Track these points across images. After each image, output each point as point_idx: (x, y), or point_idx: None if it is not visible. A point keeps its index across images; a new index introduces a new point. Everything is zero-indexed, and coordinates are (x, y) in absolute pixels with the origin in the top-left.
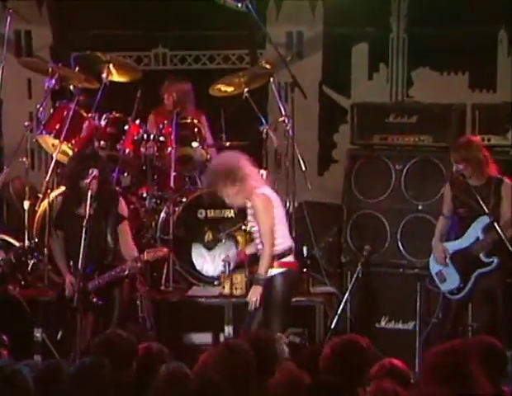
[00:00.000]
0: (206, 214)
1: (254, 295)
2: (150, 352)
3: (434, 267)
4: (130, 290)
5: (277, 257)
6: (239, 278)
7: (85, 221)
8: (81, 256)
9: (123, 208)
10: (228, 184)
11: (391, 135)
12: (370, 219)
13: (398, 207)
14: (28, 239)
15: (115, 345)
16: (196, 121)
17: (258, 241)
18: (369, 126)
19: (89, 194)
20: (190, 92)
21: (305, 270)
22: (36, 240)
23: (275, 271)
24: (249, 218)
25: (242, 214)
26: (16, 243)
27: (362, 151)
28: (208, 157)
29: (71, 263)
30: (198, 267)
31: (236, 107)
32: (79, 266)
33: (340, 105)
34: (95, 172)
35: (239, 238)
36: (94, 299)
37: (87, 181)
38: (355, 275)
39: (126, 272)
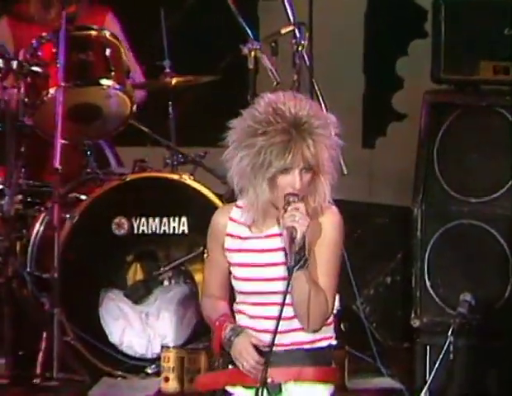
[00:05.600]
0: (131, 226)
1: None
2: None
3: None
4: None
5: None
6: (202, 358)
7: None
8: None
9: None
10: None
11: None
12: (472, 238)
13: None
14: None
15: None
16: (107, 33)
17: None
18: (471, 44)
19: None
20: None
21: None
22: None
23: (328, 388)
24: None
25: (200, 227)
26: None
27: (455, 96)
28: (134, 108)
29: None
30: (114, 339)
31: (193, 5)
32: None
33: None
34: None
35: (199, 278)
36: None
37: None
38: (441, 356)
39: None
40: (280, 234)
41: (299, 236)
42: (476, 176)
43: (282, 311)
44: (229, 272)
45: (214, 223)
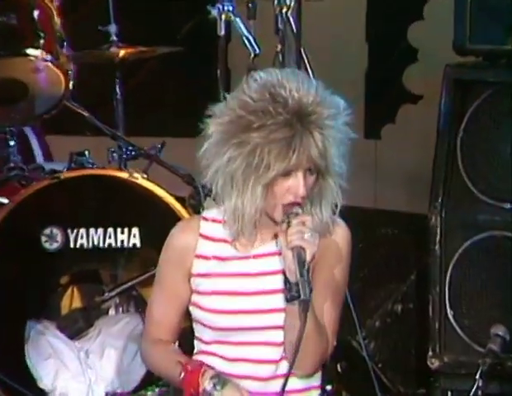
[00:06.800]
0: (67, 239)
1: None
2: None
3: None
4: None
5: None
6: None
7: None
8: None
9: None
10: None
11: None
12: (506, 254)
13: None
14: None
15: None
16: None
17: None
18: (504, 5)
19: None
20: None
21: (329, 387)
22: None
23: None
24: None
25: (155, 239)
26: None
27: (484, 71)
28: (69, 85)
29: None
30: (44, 383)
31: None
32: None
33: None
34: None
35: None
36: None
37: None
38: None
39: None
40: (277, 253)
41: (309, 257)
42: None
43: (296, 355)
44: (187, 307)
45: (177, 244)
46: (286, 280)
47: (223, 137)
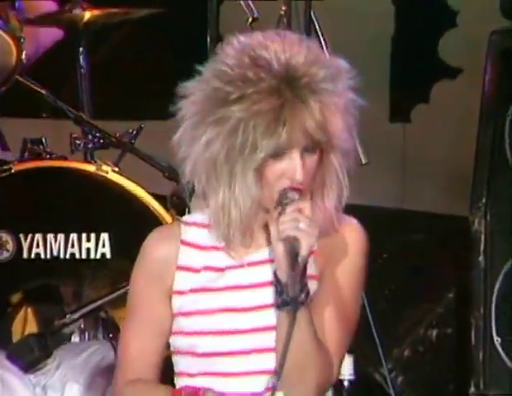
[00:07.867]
0: (19, 247)
1: None
2: None
3: None
4: None
5: None
6: None
7: None
8: None
9: None
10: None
11: None
12: None
13: None
14: None
15: None
16: None
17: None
18: None
19: None
20: None
21: None
22: None
23: None
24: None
25: (129, 248)
26: None
27: None
28: (22, 56)
29: None
30: None
31: None
32: None
33: None
34: None
35: None
36: None
37: None
38: None
39: None
40: (270, 261)
41: (304, 251)
42: None
43: (281, 369)
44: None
45: (154, 255)
46: (277, 281)
47: (198, 117)
